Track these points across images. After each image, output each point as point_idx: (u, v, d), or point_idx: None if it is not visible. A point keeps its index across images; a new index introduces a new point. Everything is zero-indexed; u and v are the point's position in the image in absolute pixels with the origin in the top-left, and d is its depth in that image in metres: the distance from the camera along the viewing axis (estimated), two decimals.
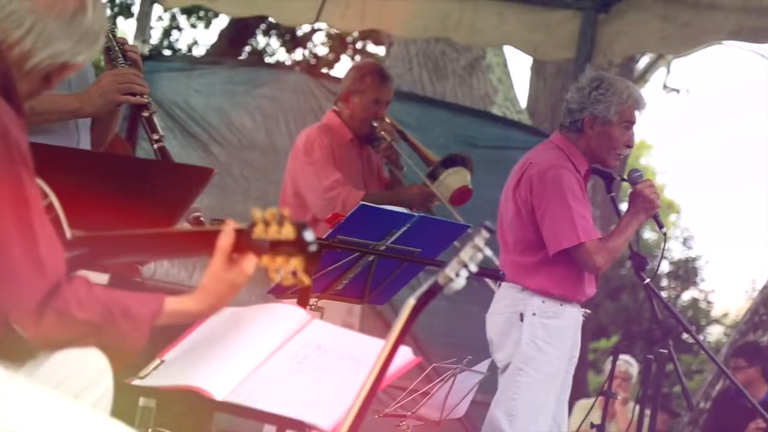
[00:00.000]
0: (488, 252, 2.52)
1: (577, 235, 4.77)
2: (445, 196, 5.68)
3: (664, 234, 5.11)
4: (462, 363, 4.89)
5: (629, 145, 4.97)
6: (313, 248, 2.43)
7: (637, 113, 4.95)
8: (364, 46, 14.03)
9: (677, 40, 7.47)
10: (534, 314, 4.82)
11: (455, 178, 5.70)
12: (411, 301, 2.52)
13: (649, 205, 4.88)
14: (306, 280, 2.46)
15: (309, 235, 2.43)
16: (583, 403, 8.97)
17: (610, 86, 4.91)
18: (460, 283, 2.51)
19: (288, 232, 2.44)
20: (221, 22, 13.27)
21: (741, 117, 34.40)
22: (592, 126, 4.90)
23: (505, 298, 4.92)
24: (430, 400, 4.90)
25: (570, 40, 7.68)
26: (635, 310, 15.64)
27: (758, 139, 35.66)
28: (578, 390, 10.48)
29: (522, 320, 4.83)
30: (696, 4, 7.20)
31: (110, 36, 3.92)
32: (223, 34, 13.27)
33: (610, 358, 9.31)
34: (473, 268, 2.51)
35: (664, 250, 5.83)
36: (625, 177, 5.09)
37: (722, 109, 33.56)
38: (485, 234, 2.51)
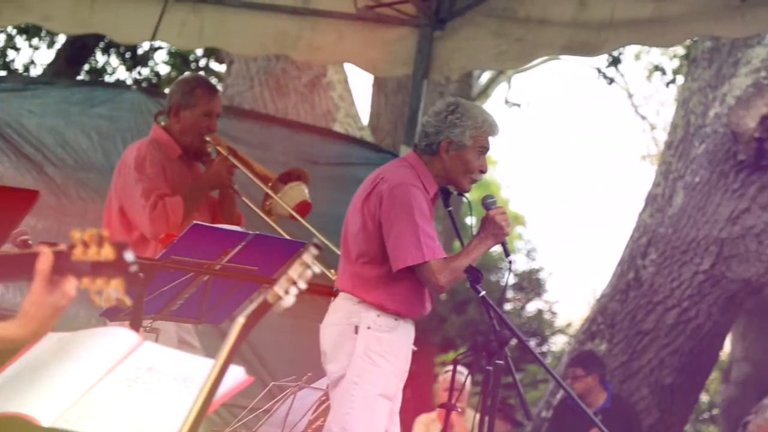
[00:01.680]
0: (317, 269, 2.53)
1: (422, 253, 4.81)
2: (286, 211, 5.66)
3: (510, 263, 5.18)
4: (301, 380, 4.90)
5: (483, 171, 5.03)
6: (133, 269, 2.40)
7: (491, 139, 5.02)
8: (207, 64, 13.93)
9: (512, 56, 7.61)
10: (369, 327, 4.83)
11: (295, 193, 5.69)
12: (240, 320, 2.51)
13: (499, 232, 4.94)
14: (127, 302, 2.44)
15: (129, 256, 2.40)
16: (422, 419, 9.01)
17: (465, 111, 4.98)
18: (289, 300, 2.51)
19: (107, 253, 2.41)
20: (61, 41, 13.00)
21: (580, 129, 35.26)
22: (447, 150, 4.95)
23: (341, 309, 4.91)
24: (271, 418, 4.90)
25: (408, 56, 7.76)
26: (481, 323, 15.83)
27: (597, 152, 36.59)
28: (426, 403, 10.56)
29: (357, 332, 4.84)
30: (527, 19, 7.34)
31: None
32: (60, 54, 13.00)
33: (444, 370, 9.43)
34: (303, 286, 2.51)
35: (508, 279, 5.91)
36: (462, 193, 5.17)
37: (562, 122, 34.33)
38: (314, 251, 2.51)
